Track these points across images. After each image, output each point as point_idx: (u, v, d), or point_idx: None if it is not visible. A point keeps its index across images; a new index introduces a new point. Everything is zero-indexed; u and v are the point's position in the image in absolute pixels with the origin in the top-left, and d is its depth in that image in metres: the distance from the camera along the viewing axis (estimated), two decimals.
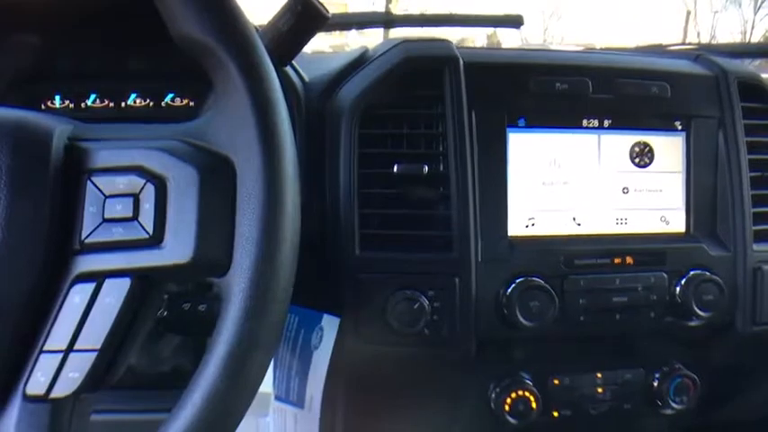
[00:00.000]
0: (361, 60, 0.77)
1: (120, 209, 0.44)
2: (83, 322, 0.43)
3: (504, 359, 0.77)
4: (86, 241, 0.44)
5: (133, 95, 0.77)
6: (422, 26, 1.13)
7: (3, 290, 0.43)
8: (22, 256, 0.43)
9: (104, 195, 0.44)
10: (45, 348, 0.43)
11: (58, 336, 0.43)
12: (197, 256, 0.43)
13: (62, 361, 0.43)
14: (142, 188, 0.44)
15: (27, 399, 0.43)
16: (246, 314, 0.43)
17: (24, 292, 0.43)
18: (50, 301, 0.44)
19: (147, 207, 0.44)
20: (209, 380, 0.42)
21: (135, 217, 0.44)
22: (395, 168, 0.71)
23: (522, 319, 0.70)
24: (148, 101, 0.77)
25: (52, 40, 0.72)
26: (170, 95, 0.77)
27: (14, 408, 0.43)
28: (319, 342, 0.71)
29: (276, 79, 0.46)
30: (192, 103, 0.78)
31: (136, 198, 0.44)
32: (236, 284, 0.43)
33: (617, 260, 0.74)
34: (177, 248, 0.43)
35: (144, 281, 0.44)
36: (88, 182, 0.45)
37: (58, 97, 0.76)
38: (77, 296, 0.43)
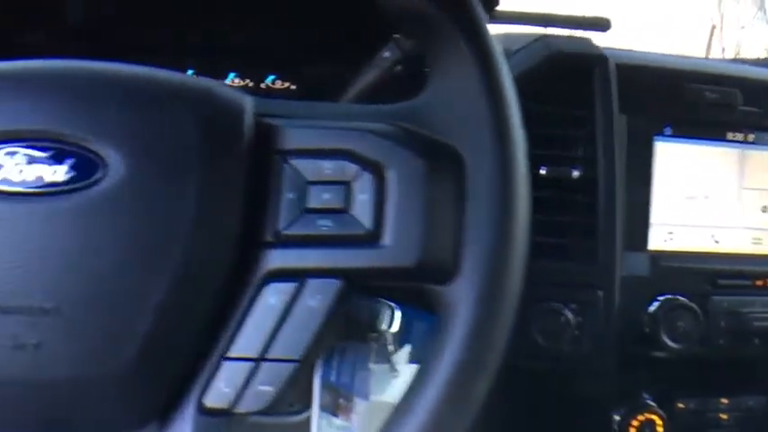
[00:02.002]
0: None
1: (327, 198, 0.38)
2: (278, 327, 0.37)
3: (629, 379, 0.73)
4: (284, 233, 0.37)
5: (231, 75, 0.72)
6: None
7: (186, 284, 0.36)
8: (212, 245, 0.36)
9: (306, 181, 0.38)
10: (229, 355, 0.37)
11: (248, 342, 0.37)
12: (424, 258, 0.37)
13: (252, 371, 0.37)
14: (356, 176, 0.38)
15: (205, 411, 0.37)
16: (478, 333, 0.37)
17: (210, 288, 0.36)
18: (235, 299, 0.37)
19: (363, 198, 0.38)
20: (432, 403, 0.37)
21: (347, 209, 0.38)
22: (541, 170, 0.66)
23: (667, 340, 0.66)
24: (247, 81, 0.72)
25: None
26: (271, 77, 0.73)
27: (187, 421, 0.37)
28: None
29: (505, 61, 0.41)
30: (293, 87, 0.73)
31: (348, 187, 0.38)
32: (465, 296, 0.37)
33: (758, 282, 0.71)
34: (400, 249, 0.37)
35: (353, 284, 0.38)
36: (285, 165, 0.38)
37: None
38: (273, 297, 0.37)
